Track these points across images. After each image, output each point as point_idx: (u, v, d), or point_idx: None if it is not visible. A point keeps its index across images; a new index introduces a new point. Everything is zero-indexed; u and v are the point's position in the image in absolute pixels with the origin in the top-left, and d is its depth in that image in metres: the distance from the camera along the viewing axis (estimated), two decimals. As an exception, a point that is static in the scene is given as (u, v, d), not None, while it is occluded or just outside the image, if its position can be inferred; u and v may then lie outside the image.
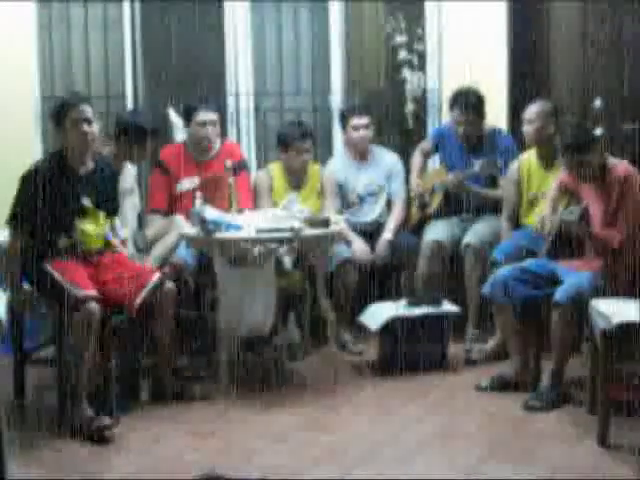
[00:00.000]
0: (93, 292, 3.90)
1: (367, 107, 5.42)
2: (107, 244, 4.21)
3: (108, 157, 4.43)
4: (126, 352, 4.22)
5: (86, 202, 4.08)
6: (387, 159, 5.41)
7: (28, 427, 3.95)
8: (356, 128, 5.29)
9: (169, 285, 4.18)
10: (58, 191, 4.00)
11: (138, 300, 4.04)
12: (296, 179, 5.15)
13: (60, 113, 4.02)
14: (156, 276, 4.15)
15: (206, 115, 4.95)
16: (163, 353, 4.24)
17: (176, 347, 4.49)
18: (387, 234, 5.21)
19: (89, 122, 3.99)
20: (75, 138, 3.99)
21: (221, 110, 5.08)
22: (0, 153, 5.41)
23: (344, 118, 5.37)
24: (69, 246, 4.06)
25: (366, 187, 5.34)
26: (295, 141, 5.04)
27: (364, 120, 5.29)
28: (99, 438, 3.76)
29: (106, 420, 3.81)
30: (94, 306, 3.85)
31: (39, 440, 3.81)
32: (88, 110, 4.00)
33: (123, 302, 4.04)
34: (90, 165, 4.12)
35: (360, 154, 5.36)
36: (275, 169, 5.19)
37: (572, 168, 4.08)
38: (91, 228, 4.10)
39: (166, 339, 4.21)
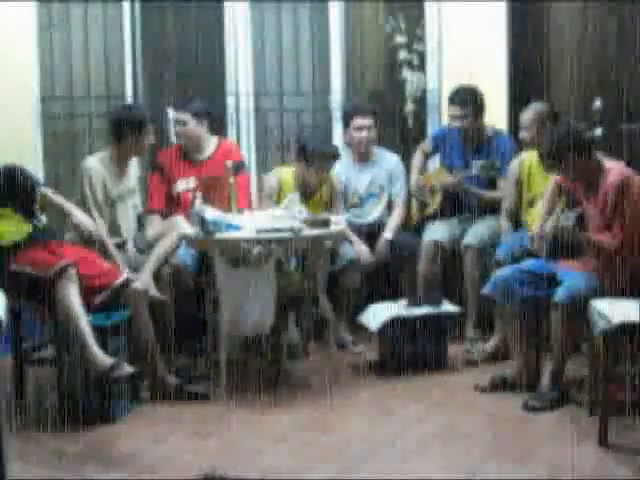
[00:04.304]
0: (66, 260, 3.97)
1: (371, 108, 5.40)
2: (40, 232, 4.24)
3: None
4: (126, 351, 4.22)
5: None
6: (388, 160, 5.40)
7: (28, 427, 3.95)
8: (359, 129, 5.28)
9: (136, 286, 4.21)
10: None
11: (99, 298, 4.10)
12: (308, 190, 5.02)
13: None
14: (122, 277, 4.18)
15: (173, 114, 4.97)
16: (148, 352, 4.24)
17: (170, 347, 4.51)
18: (387, 234, 5.21)
19: None
20: None
21: (197, 110, 4.93)
22: (0, 153, 5.40)
23: (347, 118, 5.35)
24: None
25: (367, 188, 5.34)
26: (321, 160, 4.90)
27: (367, 121, 5.27)
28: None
29: (126, 368, 3.84)
30: (72, 271, 3.95)
31: (39, 440, 3.82)
32: None
33: (86, 297, 4.06)
34: None
35: (362, 155, 5.36)
36: (287, 175, 5.03)
37: (568, 172, 4.10)
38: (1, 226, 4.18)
39: (144, 338, 4.22)
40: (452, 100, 5.15)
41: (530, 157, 4.89)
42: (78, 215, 4.22)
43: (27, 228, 4.19)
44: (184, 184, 4.99)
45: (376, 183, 5.34)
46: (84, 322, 3.90)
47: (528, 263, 4.30)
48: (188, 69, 5.78)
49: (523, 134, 4.88)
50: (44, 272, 3.98)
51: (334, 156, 4.96)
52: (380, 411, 4.18)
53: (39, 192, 4.22)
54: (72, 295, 3.93)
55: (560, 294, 4.01)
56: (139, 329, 4.21)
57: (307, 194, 4.99)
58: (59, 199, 4.25)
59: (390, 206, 5.37)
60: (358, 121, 5.27)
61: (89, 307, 4.06)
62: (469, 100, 5.10)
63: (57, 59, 5.82)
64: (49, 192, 4.26)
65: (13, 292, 3.99)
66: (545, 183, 4.68)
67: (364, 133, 5.27)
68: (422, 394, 4.35)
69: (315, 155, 4.89)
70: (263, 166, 5.78)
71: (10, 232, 4.15)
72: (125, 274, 4.22)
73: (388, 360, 4.69)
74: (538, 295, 4.21)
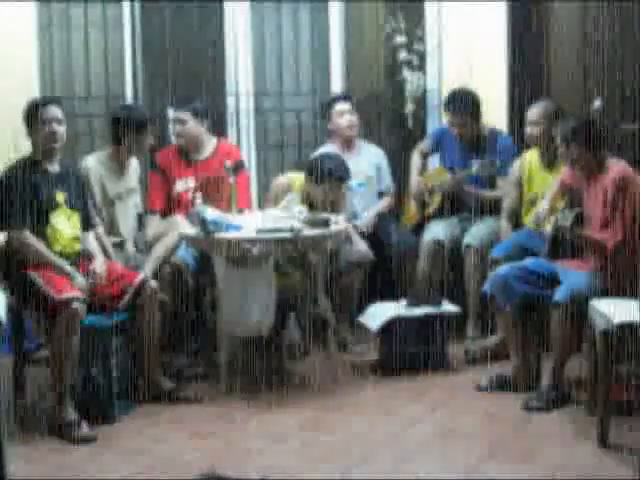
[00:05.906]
0: (76, 293, 3.90)
1: (348, 95, 5.50)
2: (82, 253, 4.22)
3: (72, 161, 4.46)
4: (126, 352, 4.22)
5: (59, 197, 4.13)
6: (373, 152, 5.45)
7: (28, 427, 3.95)
8: (341, 113, 5.32)
9: (152, 285, 4.22)
10: (30, 188, 4.03)
11: (123, 301, 4.12)
12: (312, 204, 4.90)
13: (31, 113, 4.11)
14: (140, 277, 4.19)
15: (172, 113, 4.99)
16: (151, 353, 4.24)
17: (170, 347, 4.50)
18: (375, 210, 5.29)
19: (58, 122, 4.10)
20: (44, 137, 4.08)
21: (197, 110, 4.92)
22: (0, 153, 5.40)
23: (326, 109, 5.40)
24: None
25: (354, 176, 5.23)
26: (332, 182, 4.78)
27: (347, 105, 5.34)
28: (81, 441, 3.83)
29: (84, 429, 3.83)
30: (77, 306, 3.86)
31: (39, 440, 3.82)
32: (57, 111, 4.11)
33: (107, 303, 4.10)
34: (57, 166, 4.18)
35: (347, 142, 5.35)
36: (296, 185, 4.93)
37: (572, 157, 4.10)
38: (63, 225, 4.12)
39: (153, 339, 4.22)
40: (447, 107, 5.15)
41: (531, 157, 4.89)
42: (98, 264, 4.18)
43: (77, 246, 4.18)
44: (183, 184, 4.98)
45: (362, 173, 5.32)
46: (69, 369, 3.87)
47: (528, 262, 4.31)
48: (188, 69, 5.77)
49: (530, 130, 4.84)
50: (52, 293, 3.88)
51: (343, 179, 4.85)
52: (380, 411, 4.18)
53: (96, 231, 4.38)
54: (70, 336, 3.84)
55: (560, 294, 4.01)
56: (149, 329, 4.20)
57: (311, 206, 4.87)
58: (104, 241, 4.40)
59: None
60: (339, 106, 5.34)
61: (117, 308, 4.11)
62: (464, 106, 5.09)
63: (57, 59, 5.82)
64: (102, 232, 4.44)
65: (19, 295, 4.02)
66: (546, 183, 4.69)
67: (346, 116, 5.31)
68: (422, 394, 4.35)
69: (324, 176, 4.77)
70: (263, 166, 5.78)
71: (66, 239, 4.11)
72: (142, 275, 4.24)
73: (388, 360, 4.68)
74: (537, 293, 4.21)
